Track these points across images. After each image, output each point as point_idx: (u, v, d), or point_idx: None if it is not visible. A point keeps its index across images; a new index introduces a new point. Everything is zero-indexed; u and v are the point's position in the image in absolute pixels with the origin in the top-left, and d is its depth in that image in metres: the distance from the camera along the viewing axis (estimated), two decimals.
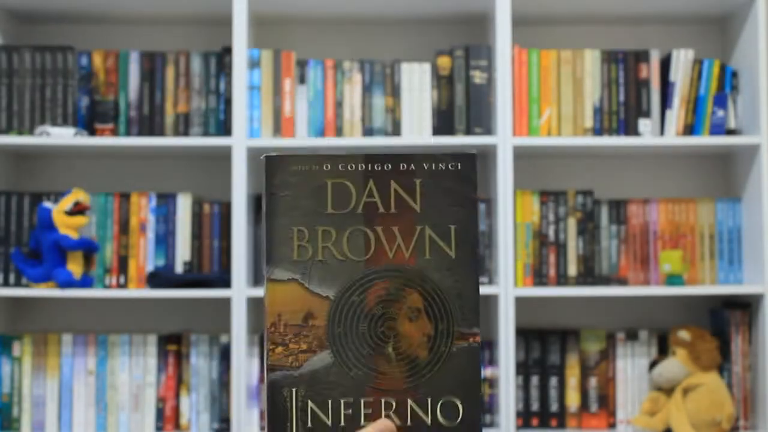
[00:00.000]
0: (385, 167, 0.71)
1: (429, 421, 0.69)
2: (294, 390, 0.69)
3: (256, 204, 2.36)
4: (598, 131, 2.31)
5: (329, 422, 0.69)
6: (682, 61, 2.31)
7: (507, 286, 2.21)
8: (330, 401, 0.69)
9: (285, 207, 0.71)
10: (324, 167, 0.71)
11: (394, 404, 0.69)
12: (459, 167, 0.71)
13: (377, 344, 0.70)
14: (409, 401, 0.69)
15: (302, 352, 0.69)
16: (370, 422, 0.69)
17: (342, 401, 0.69)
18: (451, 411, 0.69)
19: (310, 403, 0.69)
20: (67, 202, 2.23)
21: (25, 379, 2.30)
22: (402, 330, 0.70)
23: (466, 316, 0.70)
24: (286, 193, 0.71)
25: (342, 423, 0.69)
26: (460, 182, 0.71)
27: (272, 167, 0.71)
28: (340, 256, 0.70)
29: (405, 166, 0.71)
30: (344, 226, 0.70)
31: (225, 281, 2.25)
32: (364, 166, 0.71)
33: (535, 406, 2.33)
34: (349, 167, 0.71)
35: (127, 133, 2.34)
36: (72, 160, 2.52)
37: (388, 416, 0.69)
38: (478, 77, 2.29)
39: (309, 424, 0.69)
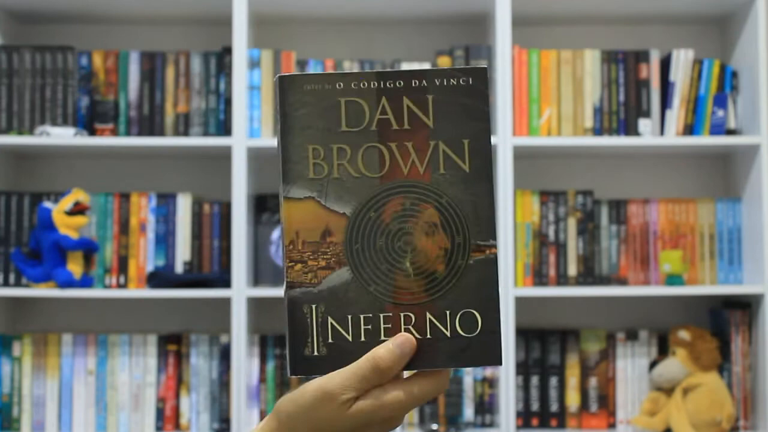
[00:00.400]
0: (397, 84, 0.71)
1: (448, 333, 0.70)
2: (314, 306, 0.70)
3: (256, 204, 2.36)
4: (598, 131, 2.31)
5: (349, 337, 0.69)
6: (682, 61, 2.31)
7: (507, 286, 2.21)
8: (350, 317, 0.70)
9: (299, 126, 0.71)
10: (337, 86, 0.71)
11: (413, 318, 0.70)
12: (470, 81, 0.71)
13: (395, 259, 0.70)
14: (428, 314, 0.70)
15: (321, 269, 0.70)
16: (389, 336, 0.69)
17: (362, 316, 0.70)
18: (469, 322, 0.70)
19: (330, 319, 0.70)
20: (67, 202, 2.23)
21: (25, 379, 2.30)
22: (419, 245, 0.70)
23: (482, 228, 0.70)
24: (300, 112, 0.71)
25: (362, 338, 0.69)
26: (471, 96, 0.71)
27: (285, 87, 0.71)
28: (356, 173, 0.70)
29: (417, 82, 0.71)
30: (359, 144, 0.71)
31: (225, 281, 2.25)
32: (376, 84, 0.71)
33: (535, 406, 2.33)
34: (361, 85, 0.71)
35: (127, 133, 2.34)
36: (72, 160, 2.52)
37: (407, 330, 0.69)
38: None
39: (330, 340, 0.69)
